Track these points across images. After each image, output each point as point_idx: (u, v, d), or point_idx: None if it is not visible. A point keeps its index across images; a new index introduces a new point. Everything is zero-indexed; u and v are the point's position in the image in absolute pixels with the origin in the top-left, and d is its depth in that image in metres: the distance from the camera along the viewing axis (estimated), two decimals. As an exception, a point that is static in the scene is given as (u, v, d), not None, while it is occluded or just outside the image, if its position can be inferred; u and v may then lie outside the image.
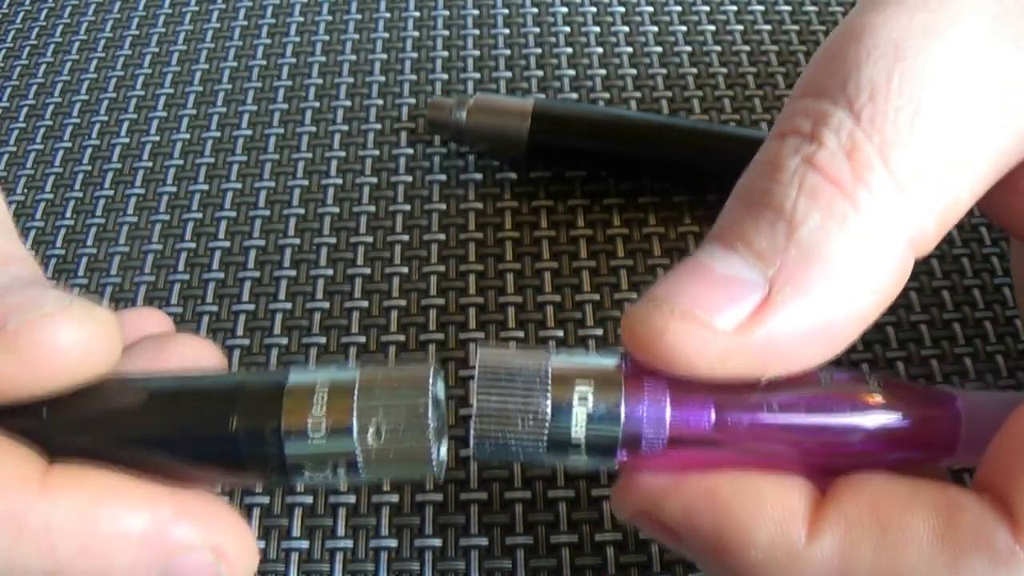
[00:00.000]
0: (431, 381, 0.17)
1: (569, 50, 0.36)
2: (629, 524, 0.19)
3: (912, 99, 0.17)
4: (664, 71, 0.35)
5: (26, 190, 0.33)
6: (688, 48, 0.36)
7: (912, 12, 0.17)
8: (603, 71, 0.35)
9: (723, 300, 0.16)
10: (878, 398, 0.18)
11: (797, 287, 0.16)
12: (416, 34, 0.37)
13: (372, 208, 0.32)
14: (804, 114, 0.17)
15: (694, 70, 0.35)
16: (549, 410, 0.17)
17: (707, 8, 0.37)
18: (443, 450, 0.18)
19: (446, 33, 0.37)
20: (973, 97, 0.17)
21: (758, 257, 0.17)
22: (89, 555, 0.16)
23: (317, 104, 0.35)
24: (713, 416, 0.17)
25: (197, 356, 0.20)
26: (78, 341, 0.16)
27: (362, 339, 0.28)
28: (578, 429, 0.17)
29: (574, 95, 0.35)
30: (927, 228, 0.17)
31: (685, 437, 0.17)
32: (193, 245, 0.31)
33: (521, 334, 0.28)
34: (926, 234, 0.17)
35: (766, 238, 0.17)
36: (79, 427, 0.17)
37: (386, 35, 0.37)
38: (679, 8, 0.37)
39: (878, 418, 0.18)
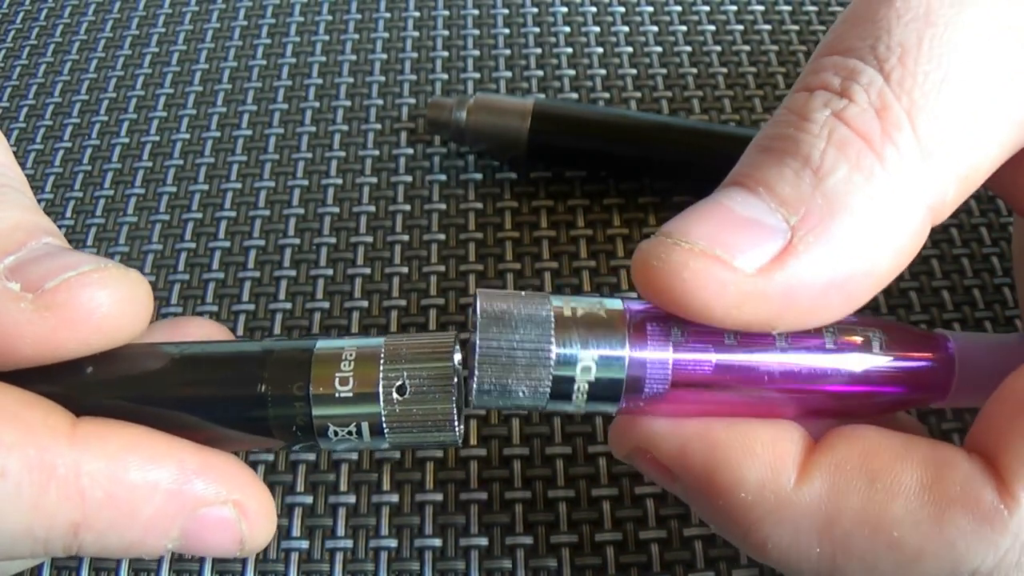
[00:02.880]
0: (454, 348, 0.17)
1: (569, 50, 0.36)
2: (625, 466, 0.19)
3: (941, 65, 0.16)
4: (664, 71, 0.35)
5: (26, 190, 0.33)
6: (688, 48, 0.36)
7: None
8: (603, 71, 0.35)
9: (745, 241, 0.16)
10: (876, 341, 0.18)
11: (820, 237, 0.16)
12: (416, 34, 0.37)
13: (372, 208, 0.32)
14: (833, 70, 0.17)
15: (694, 70, 0.35)
16: (553, 354, 0.17)
17: (707, 8, 0.37)
18: (462, 420, 0.18)
19: (446, 33, 0.37)
20: (999, 67, 0.17)
21: (781, 203, 0.16)
22: (115, 505, 0.16)
23: (317, 104, 0.35)
24: (715, 359, 0.17)
25: (211, 336, 0.20)
26: (114, 301, 0.16)
27: (362, 339, 0.28)
28: (582, 375, 0.17)
29: (574, 95, 0.35)
30: (947, 194, 0.17)
31: (687, 381, 0.17)
32: (193, 245, 0.31)
33: (521, 334, 0.28)
34: (945, 199, 0.17)
35: (791, 185, 0.16)
36: (109, 388, 0.17)
37: (386, 35, 0.37)
38: (679, 8, 0.37)
39: (876, 360, 0.18)
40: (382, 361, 0.17)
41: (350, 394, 0.16)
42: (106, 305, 0.16)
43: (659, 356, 0.17)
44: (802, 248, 0.16)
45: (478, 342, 0.17)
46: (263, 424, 0.17)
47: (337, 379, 0.17)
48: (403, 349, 0.17)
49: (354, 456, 0.26)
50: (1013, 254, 0.25)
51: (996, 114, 0.17)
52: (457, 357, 0.17)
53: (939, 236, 0.30)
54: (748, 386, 0.17)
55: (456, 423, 0.17)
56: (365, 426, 0.17)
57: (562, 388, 0.17)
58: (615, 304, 0.17)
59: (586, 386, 0.17)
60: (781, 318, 0.16)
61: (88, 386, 0.17)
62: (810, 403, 0.18)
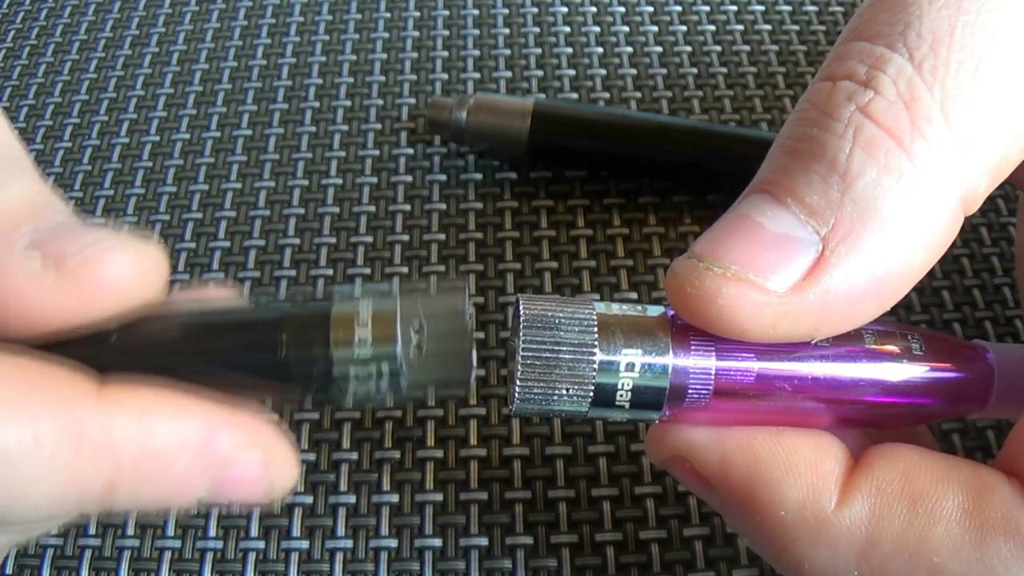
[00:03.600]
0: (466, 294, 0.17)
1: (569, 50, 0.36)
2: (659, 469, 0.19)
3: (974, 53, 0.16)
4: (664, 71, 0.35)
5: (26, 190, 0.33)
6: (688, 48, 0.36)
7: None
8: (603, 71, 0.35)
9: (776, 260, 0.16)
10: (918, 351, 0.18)
11: (852, 246, 0.16)
12: (416, 34, 0.37)
13: (372, 208, 0.32)
14: (859, 57, 0.17)
15: (694, 70, 0.35)
16: (597, 358, 0.16)
17: (707, 8, 0.37)
18: (474, 367, 0.18)
19: (446, 33, 0.37)
20: None
21: (811, 214, 0.16)
22: (148, 463, 0.16)
23: (317, 104, 0.35)
24: (757, 368, 0.17)
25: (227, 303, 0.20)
26: (134, 270, 0.17)
27: (362, 339, 0.28)
28: (625, 383, 0.17)
29: (574, 95, 0.35)
30: (979, 184, 0.16)
31: (729, 391, 0.17)
32: (193, 245, 0.31)
33: (521, 334, 0.28)
34: (977, 190, 0.16)
35: (819, 194, 0.16)
36: (132, 351, 0.17)
37: (386, 35, 0.37)
38: (679, 8, 0.37)
39: (917, 370, 0.18)
40: (399, 305, 0.17)
41: (368, 342, 0.17)
42: (127, 275, 0.17)
43: (702, 364, 0.17)
44: (834, 260, 0.16)
45: (520, 345, 0.16)
46: (284, 373, 0.17)
47: (357, 322, 0.17)
48: (419, 294, 0.17)
49: (354, 456, 0.26)
50: (1016, 254, 0.25)
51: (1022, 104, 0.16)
52: (468, 307, 0.17)
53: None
54: (789, 395, 0.17)
55: (472, 368, 0.17)
56: (385, 372, 0.17)
57: (605, 394, 0.17)
58: (658, 311, 0.17)
59: (629, 393, 0.17)
60: (818, 330, 0.16)
61: (112, 350, 0.17)
62: (848, 412, 0.18)
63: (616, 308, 0.17)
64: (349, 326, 0.17)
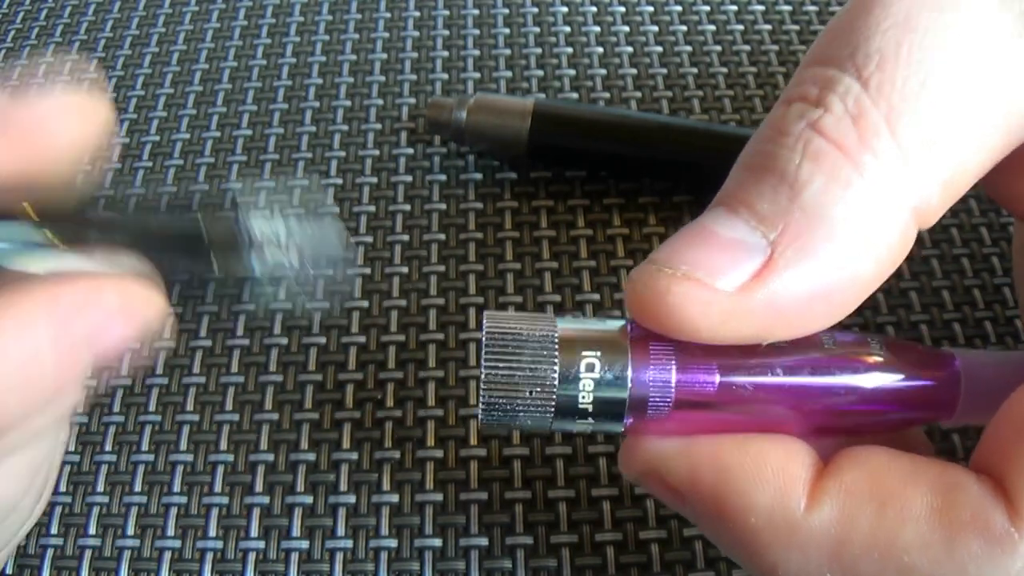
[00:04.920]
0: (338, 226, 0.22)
1: (569, 50, 0.36)
2: (633, 485, 0.19)
3: (921, 69, 0.16)
4: (664, 71, 0.35)
5: (26, 190, 0.33)
6: (688, 48, 0.36)
7: None
8: (603, 71, 0.35)
9: (725, 262, 0.16)
10: (880, 359, 0.18)
11: (799, 250, 0.16)
12: (416, 34, 0.37)
13: (372, 208, 0.32)
14: (811, 81, 0.17)
15: (694, 70, 0.35)
16: (557, 376, 0.17)
17: (707, 8, 0.37)
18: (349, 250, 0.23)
19: (446, 33, 0.37)
20: (982, 71, 0.17)
21: (760, 220, 0.17)
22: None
23: (317, 104, 0.35)
24: (718, 379, 0.17)
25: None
26: (72, 124, 0.18)
27: (362, 339, 0.28)
28: (585, 395, 0.17)
29: (574, 95, 0.35)
30: (931, 197, 0.17)
31: (691, 400, 0.17)
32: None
33: (521, 334, 0.28)
34: (930, 203, 0.17)
35: (769, 202, 0.17)
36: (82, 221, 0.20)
37: (386, 35, 0.37)
38: (679, 8, 0.37)
39: (880, 378, 0.18)
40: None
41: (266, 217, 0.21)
42: (66, 128, 0.18)
43: (662, 374, 0.17)
44: (782, 263, 0.16)
45: (483, 367, 0.17)
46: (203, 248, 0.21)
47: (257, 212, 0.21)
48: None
49: (354, 456, 0.26)
50: (1013, 256, 0.25)
51: (979, 117, 0.17)
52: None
53: (939, 236, 0.30)
54: (752, 404, 0.18)
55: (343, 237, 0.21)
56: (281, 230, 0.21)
57: (567, 407, 0.17)
58: (618, 324, 0.18)
59: (590, 405, 0.17)
60: (768, 331, 0.17)
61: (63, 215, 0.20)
62: (815, 421, 0.18)
63: (578, 322, 0.18)
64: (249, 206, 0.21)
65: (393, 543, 0.25)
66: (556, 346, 0.17)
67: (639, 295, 0.17)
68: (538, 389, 0.17)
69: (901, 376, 0.18)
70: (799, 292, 0.16)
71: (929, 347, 0.20)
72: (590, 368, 0.17)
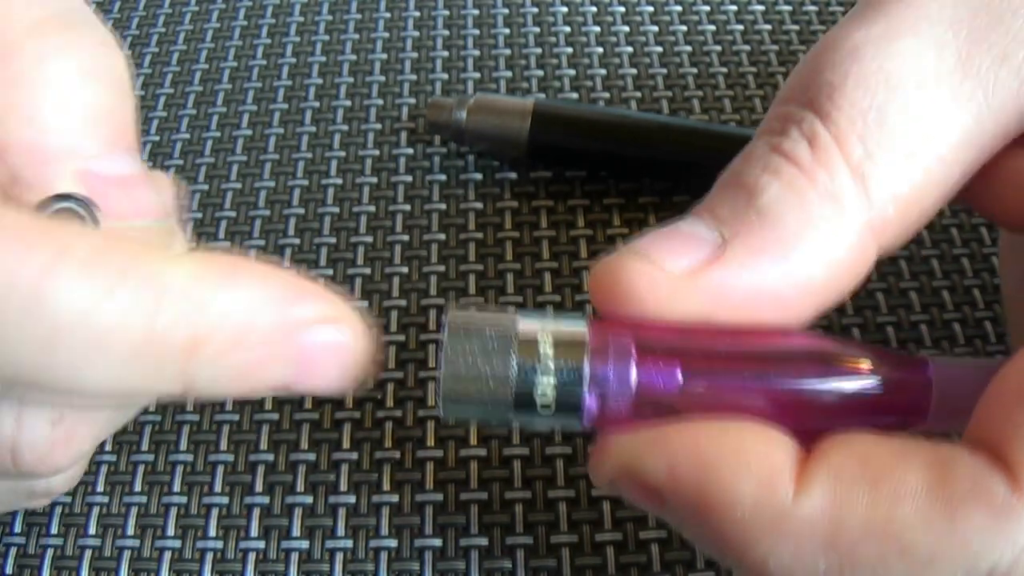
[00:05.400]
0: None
1: (569, 50, 0.36)
2: (610, 490, 0.19)
3: (867, 94, 0.18)
4: (664, 71, 0.35)
5: (26, 190, 0.33)
6: (688, 48, 0.36)
7: (872, 24, 0.19)
8: (603, 71, 0.35)
9: (677, 249, 0.18)
10: (849, 361, 0.18)
11: (749, 247, 0.18)
12: (416, 34, 0.37)
13: (372, 208, 0.32)
14: (775, 117, 0.19)
15: (694, 70, 0.35)
16: (515, 369, 0.17)
17: (707, 8, 0.37)
18: None
19: (446, 33, 0.37)
20: (931, 92, 0.18)
21: (719, 221, 0.18)
22: (229, 325, 0.16)
23: (317, 104, 0.35)
24: (680, 375, 0.17)
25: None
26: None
27: (362, 339, 0.28)
28: (543, 389, 0.17)
29: (574, 95, 0.35)
30: (886, 213, 0.18)
31: (652, 394, 0.18)
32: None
33: (521, 334, 0.28)
34: (885, 218, 0.18)
35: (729, 207, 0.18)
36: None
37: (386, 35, 0.37)
38: (679, 8, 0.37)
39: (849, 381, 0.18)
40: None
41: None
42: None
43: (621, 370, 0.17)
44: (730, 255, 0.18)
45: (443, 360, 0.17)
46: None
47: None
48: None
49: (354, 456, 0.26)
50: (999, 265, 0.25)
51: (934, 135, 0.18)
52: None
53: (939, 236, 0.30)
54: (717, 403, 0.18)
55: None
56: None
57: (524, 401, 0.18)
58: (579, 320, 0.18)
59: (547, 400, 0.18)
60: (713, 316, 0.18)
61: None
62: (784, 422, 0.18)
63: (538, 318, 0.18)
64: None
65: (393, 543, 0.25)
66: (514, 341, 0.18)
67: (597, 272, 0.18)
68: (497, 382, 0.17)
69: (871, 379, 0.18)
70: (745, 284, 0.18)
71: (902, 352, 0.20)
72: (547, 362, 0.17)
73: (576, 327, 0.18)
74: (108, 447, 0.27)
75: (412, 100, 0.35)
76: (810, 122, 0.18)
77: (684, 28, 0.37)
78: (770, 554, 0.16)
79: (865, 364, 0.18)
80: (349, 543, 0.25)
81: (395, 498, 0.26)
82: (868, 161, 0.18)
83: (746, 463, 0.16)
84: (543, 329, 0.18)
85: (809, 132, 0.18)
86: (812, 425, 0.18)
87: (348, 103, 0.35)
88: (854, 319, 0.28)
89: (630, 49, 0.36)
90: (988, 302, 0.29)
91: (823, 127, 0.18)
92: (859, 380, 0.18)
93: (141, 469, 0.26)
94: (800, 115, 0.19)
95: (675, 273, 0.18)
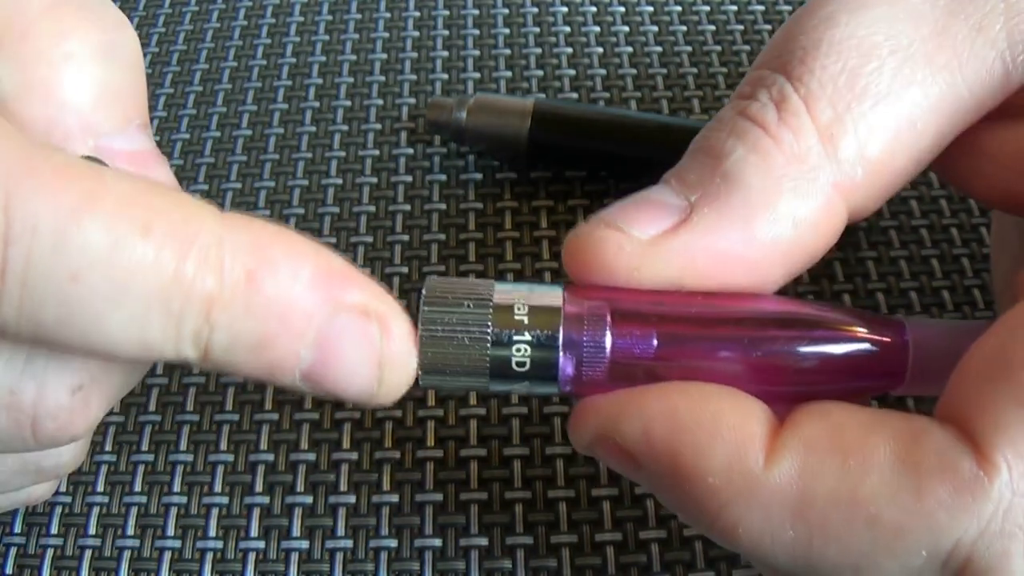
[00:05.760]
0: None
1: (569, 50, 0.36)
2: (588, 455, 0.19)
3: (839, 59, 0.18)
4: (664, 71, 0.35)
5: (26, 190, 0.33)
6: (688, 48, 0.36)
7: None
8: (603, 71, 0.35)
9: (644, 216, 0.18)
10: (823, 324, 0.18)
11: (715, 209, 0.18)
12: (416, 34, 0.37)
13: (372, 208, 0.32)
14: (748, 82, 0.19)
15: (694, 70, 0.35)
16: (491, 335, 0.18)
17: (707, 8, 0.37)
18: None
19: (446, 33, 0.37)
20: (904, 59, 0.18)
21: (686, 186, 0.19)
22: (253, 286, 0.16)
23: (317, 104, 0.35)
24: (655, 340, 0.18)
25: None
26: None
27: (362, 339, 0.28)
28: (519, 355, 0.18)
29: (574, 95, 0.35)
30: (854, 175, 0.18)
31: (627, 359, 0.18)
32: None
33: (521, 334, 0.28)
34: (854, 180, 0.18)
35: (696, 172, 0.19)
36: None
37: (386, 35, 0.37)
38: (679, 8, 0.37)
39: (823, 344, 0.18)
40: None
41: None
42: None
43: (595, 335, 0.18)
44: (696, 218, 0.18)
45: (421, 325, 0.18)
46: None
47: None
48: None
49: (354, 456, 0.26)
50: (991, 249, 0.25)
51: (906, 100, 0.18)
52: None
53: (939, 236, 0.30)
54: (693, 367, 0.18)
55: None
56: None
57: (500, 368, 0.18)
58: (555, 288, 0.19)
59: (523, 366, 0.18)
60: (680, 280, 0.18)
61: None
62: (760, 387, 0.18)
63: (515, 286, 0.19)
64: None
65: (393, 543, 0.25)
66: (490, 307, 0.18)
67: (569, 243, 0.19)
68: (474, 346, 0.18)
69: (849, 341, 0.18)
70: (710, 248, 0.18)
71: (879, 314, 0.20)
72: (522, 328, 0.18)
73: (551, 293, 0.18)
74: (108, 447, 0.27)
75: (412, 100, 0.35)
76: (780, 85, 0.18)
77: (684, 28, 0.37)
78: (740, 521, 0.16)
79: (839, 327, 0.18)
80: (349, 543, 0.25)
81: (395, 498, 0.26)
82: (837, 123, 0.18)
83: (719, 430, 0.17)
84: (518, 296, 0.18)
85: (778, 95, 0.18)
86: (789, 389, 0.18)
87: (348, 103, 0.35)
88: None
89: (630, 49, 0.36)
90: (988, 302, 0.29)
91: (792, 90, 0.18)
92: (834, 343, 0.18)
93: (141, 469, 0.26)
94: (771, 79, 0.19)
95: (642, 239, 0.18)
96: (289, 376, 0.17)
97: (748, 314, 0.18)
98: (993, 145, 0.19)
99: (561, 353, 0.18)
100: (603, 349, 0.18)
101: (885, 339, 0.19)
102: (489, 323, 0.18)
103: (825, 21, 0.19)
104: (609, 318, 0.18)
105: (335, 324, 0.17)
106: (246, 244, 0.16)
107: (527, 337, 0.18)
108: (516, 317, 0.18)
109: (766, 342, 0.18)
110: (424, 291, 0.18)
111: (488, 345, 0.18)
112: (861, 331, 0.18)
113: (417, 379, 0.18)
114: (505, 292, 0.18)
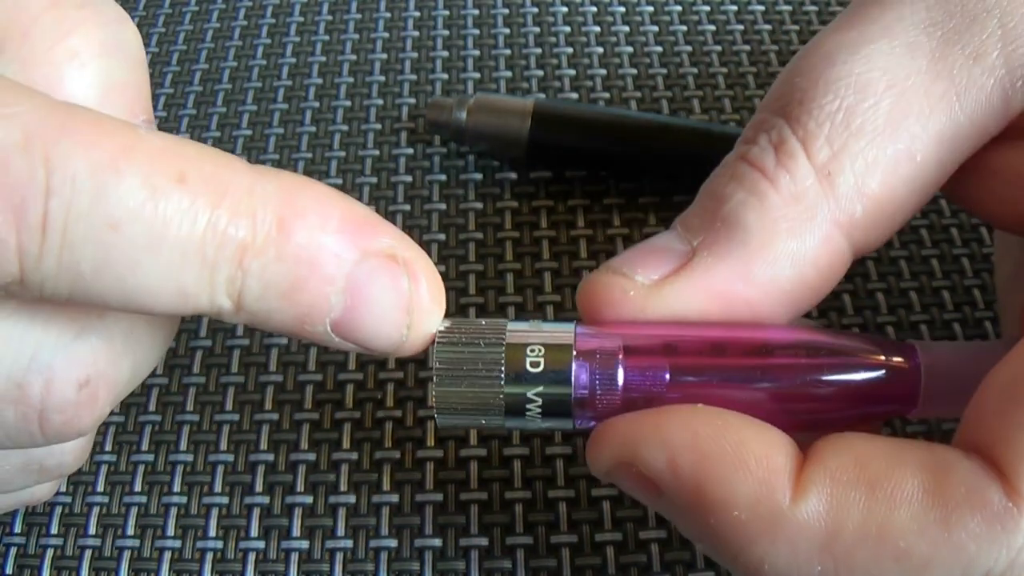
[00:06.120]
0: None
1: (569, 50, 0.36)
2: (606, 480, 0.19)
3: (836, 97, 0.18)
4: (664, 71, 0.35)
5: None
6: (688, 48, 0.36)
7: (847, 29, 0.19)
8: (603, 71, 0.35)
9: (648, 261, 0.19)
10: (834, 350, 0.18)
11: (716, 253, 0.18)
12: (416, 34, 0.37)
13: (372, 208, 0.32)
14: (751, 127, 0.20)
15: (694, 70, 0.35)
16: (504, 376, 0.18)
17: (707, 8, 0.37)
18: None
19: (446, 33, 0.37)
20: (902, 92, 0.18)
21: (688, 230, 0.19)
22: (286, 233, 0.16)
23: (317, 104, 0.35)
24: (667, 374, 0.18)
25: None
26: None
27: (362, 339, 0.28)
28: (532, 394, 0.18)
29: (574, 95, 0.35)
30: (854, 211, 0.18)
31: (640, 394, 0.18)
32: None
33: (521, 334, 0.28)
34: (854, 216, 0.18)
35: (699, 217, 0.19)
36: None
37: (386, 35, 0.37)
38: (679, 8, 0.37)
39: (837, 371, 0.18)
40: None
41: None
42: None
43: (607, 372, 0.18)
44: (697, 262, 0.19)
45: (435, 364, 0.18)
46: None
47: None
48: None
49: (354, 456, 0.26)
50: (995, 266, 0.25)
51: (905, 134, 0.18)
52: None
53: (939, 236, 0.30)
54: (705, 398, 0.18)
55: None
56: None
57: (515, 407, 0.18)
58: (567, 326, 0.19)
59: (536, 404, 0.18)
60: (683, 319, 0.19)
61: None
62: (772, 415, 0.18)
63: (527, 325, 0.19)
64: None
65: (393, 543, 0.25)
66: (503, 346, 0.18)
67: (580, 288, 0.20)
68: (487, 390, 0.18)
69: (861, 367, 0.18)
70: (710, 289, 0.18)
71: (889, 339, 0.20)
72: (535, 367, 0.18)
73: (563, 331, 0.19)
74: (108, 447, 0.27)
75: (412, 100, 0.35)
76: (779, 128, 0.19)
77: (684, 28, 0.37)
78: (766, 556, 0.16)
79: (851, 354, 0.18)
80: (349, 543, 0.25)
81: (395, 498, 0.26)
82: (834, 161, 0.18)
83: (745, 463, 0.16)
84: (531, 334, 0.19)
85: (777, 139, 0.19)
86: (801, 417, 0.18)
87: (348, 103, 0.35)
88: (854, 319, 0.28)
89: (630, 49, 0.36)
90: (988, 302, 0.29)
91: (791, 132, 0.19)
92: (845, 371, 0.18)
93: (141, 469, 0.26)
94: (771, 123, 0.19)
95: (645, 283, 0.19)
96: (320, 324, 0.17)
97: (759, 343, 0.18)
98: (999, 166, 0.20)
99: (574, 390, 0.18)
100: (616, 384, 0.18)
101: (897, 364, 0.19)
102: (503, 362, 0.18)
103: (823, 60, 0.19)
104: (621, 353, 0.18)
105: (364, 269, 0.17)
106: (276, 193, 0.16)
107: (540, 374, 0.18)
108: (529, 356, 0.18)
109: (777, 370, 0.18)
110: (437, 334, 0.19)
111: (502, 384, 0.18)
112: (873, 357, 0.19)
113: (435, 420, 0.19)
114: (518, 331, 0.19)
